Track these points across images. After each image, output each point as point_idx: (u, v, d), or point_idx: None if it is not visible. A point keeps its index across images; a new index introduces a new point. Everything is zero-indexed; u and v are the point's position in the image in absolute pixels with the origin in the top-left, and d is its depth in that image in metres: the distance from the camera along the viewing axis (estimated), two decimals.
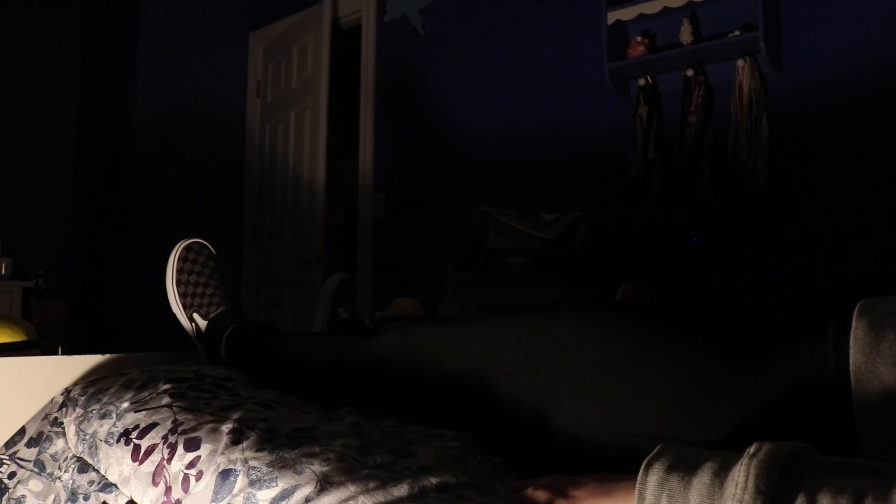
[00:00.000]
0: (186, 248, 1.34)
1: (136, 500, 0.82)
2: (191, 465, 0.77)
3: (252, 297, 4.17)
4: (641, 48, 2.57)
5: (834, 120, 2.28)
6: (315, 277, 3.56)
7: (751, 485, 0.50)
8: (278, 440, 0.79)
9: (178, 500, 0.75)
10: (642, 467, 0.57)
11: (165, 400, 0.93)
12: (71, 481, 0.92)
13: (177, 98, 4.03)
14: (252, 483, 0.70)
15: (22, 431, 1.07)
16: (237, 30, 4.31)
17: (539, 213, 2.42)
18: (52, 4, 4.37)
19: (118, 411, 0.94)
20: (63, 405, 1.06)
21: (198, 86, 4.12)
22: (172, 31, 4.03)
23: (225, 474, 0.73)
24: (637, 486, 0.56)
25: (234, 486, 0.71)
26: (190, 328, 1.34)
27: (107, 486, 0.87)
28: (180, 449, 0.80)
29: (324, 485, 0.66)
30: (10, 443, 1.06)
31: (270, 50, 4.15)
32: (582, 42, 2.86)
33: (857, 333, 0.65)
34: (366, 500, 0.64)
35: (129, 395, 0.98)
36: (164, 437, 0.83)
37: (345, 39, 3.98)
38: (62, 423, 1.03)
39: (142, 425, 0.88)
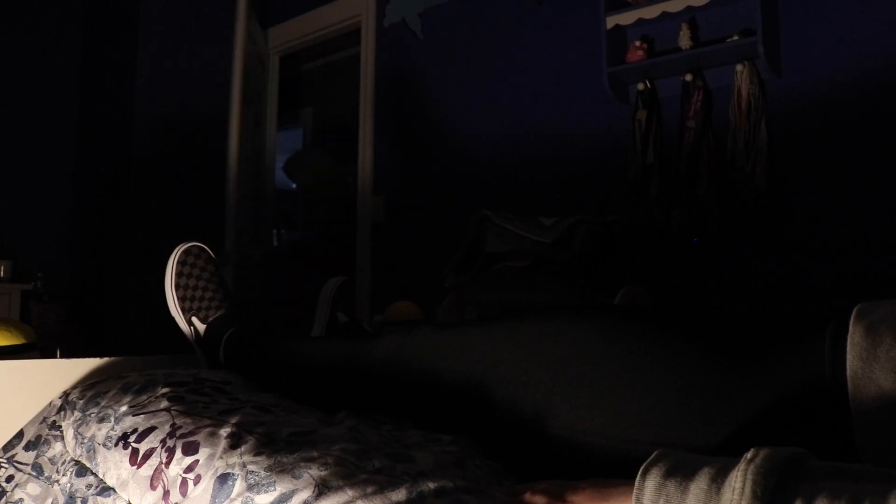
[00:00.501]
0: (185, 252, 1.34)
1: None
2: (189, 469, 0.77)
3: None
4: (640, 53, 2.58)
5: (833, 124, 2.28)
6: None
7: (748, 490, 0.50)
8: (276, 444, 0.79)
9: (175, 503, 0.75)
10: (640, 472, 0.57)
11: (164, 404, 0.93)
12: (69, 485, 0.92)
13: (177, 100, 4.03)
14: (250, 487, 0.70)
15: (20, 435, 1.07)
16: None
17: (538, 216, 2.42)
18: (52, 5, 4.37)
19: (117, 415, 0.94)
20: (61, 408, 1.06)
21: (199, 88, 4.12)
22: (172, 32, 4.04)
23: (223, 478, 0.73)
24: (634, 491, 0.56)
25: (232, 491, 0.71)
26: (189, 332, 1.34)
27: (105, 489, 0.87)
28: (178, 453, 0.80)
29: (322, 489, 0.66)
30: (8, 446, 1.06)
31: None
32: (581, 46, 2.86)
33: (854, 338, 0.65)
34: None
35: (127, 399, 0.98)
36: (163, 441, 0.83)
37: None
38: (60, 426, 1.03)
39: (140, 429, 0.88)
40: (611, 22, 2.60)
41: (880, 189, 2.18)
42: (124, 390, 1.01)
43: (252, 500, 0.69)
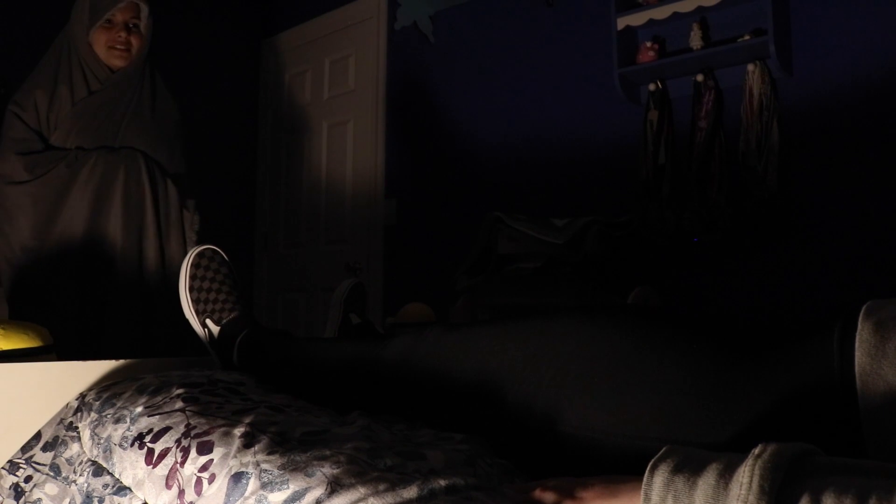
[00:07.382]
0: (199, 255, 1.35)
1: (149, 503, 0.83)
2: (203, 468, 0.78)
3: (264, 303, 4.19)
4: (651, 53, 2.58)
5: (845, 123, 2.27)
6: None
7: (755, 485, 0.51)
8: (290, 443, 0.79)
9: (191, 502, 0.76)
10: (648, 468, 0.58)
11: (179, 404, 0.94)
12: (86, 485, 0.93)
13: (187, 104, 4.05)
14: (264, 485, 0.71)
15: (38, 436, 1.08)
16: (249, 37, 4.34)
17: (549, 218, 2.42)
18: (64, 12, 4.41)
19: (132, 416, 0.95)
20: (78, 410, 1.07)
21: (208, 92, 4.14)
22: (183, 37, 4.06)
23: (237, 477, 0.74)
24: (643, 486, 0.57)
25: (245, 489, 0.72)
26: (203, 334, 1.35)
27: (121, 489, 0.88)
28: (193, 452, 0.81)
29: (334, 487, 0.67)
30: (27, 447, 1.07)
31: (289, 58, 4.20)
32: (591, 48, 2.86)
33: (863, 335, 0.65)
34: (375, 501, 0.65)
35: (143, 400, 0.99)
36: (178, 441, 0.84)
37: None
38: (77, 427, 1.05)
39: (155, 429, 0.89)
40: (621, 23, 2.60)
41: (893, 189, 2.17)
42: (140, 391, 1.02)
43: (266, 497, 0.69)
